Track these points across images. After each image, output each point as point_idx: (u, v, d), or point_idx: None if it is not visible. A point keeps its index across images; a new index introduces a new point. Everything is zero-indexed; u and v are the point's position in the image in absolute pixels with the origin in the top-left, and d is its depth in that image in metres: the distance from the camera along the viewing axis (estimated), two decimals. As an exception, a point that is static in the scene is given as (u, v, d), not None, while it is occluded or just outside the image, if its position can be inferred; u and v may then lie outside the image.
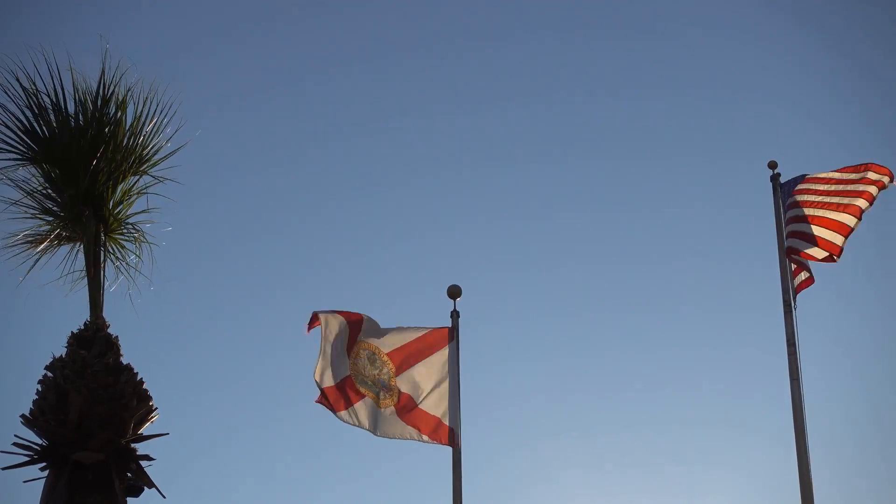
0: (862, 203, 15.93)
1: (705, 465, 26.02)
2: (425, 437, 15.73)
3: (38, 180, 12.42)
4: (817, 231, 15.96)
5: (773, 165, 16.37)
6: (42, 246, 12.43)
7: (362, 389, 15.73)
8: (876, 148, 26.47)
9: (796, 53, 27.48)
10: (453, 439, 15.73)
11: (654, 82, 29.23)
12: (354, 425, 15.65)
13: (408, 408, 15.83)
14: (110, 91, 12.22)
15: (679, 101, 29.14)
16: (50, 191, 12.39)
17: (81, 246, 12.28)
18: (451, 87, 29.71)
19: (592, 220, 29.10)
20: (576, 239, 29.30)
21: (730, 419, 25.71)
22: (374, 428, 15.71)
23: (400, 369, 15.98)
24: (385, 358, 15.96)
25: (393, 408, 15.79)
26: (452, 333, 16.31)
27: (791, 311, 15.68)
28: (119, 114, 12.27)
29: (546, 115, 29.50)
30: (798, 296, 15.71)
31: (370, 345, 15.97)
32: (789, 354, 15.50)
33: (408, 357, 16.01)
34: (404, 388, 15.92)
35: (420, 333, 16.14)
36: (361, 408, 15.71)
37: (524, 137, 29.50)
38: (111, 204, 12.40)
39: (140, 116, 12.35)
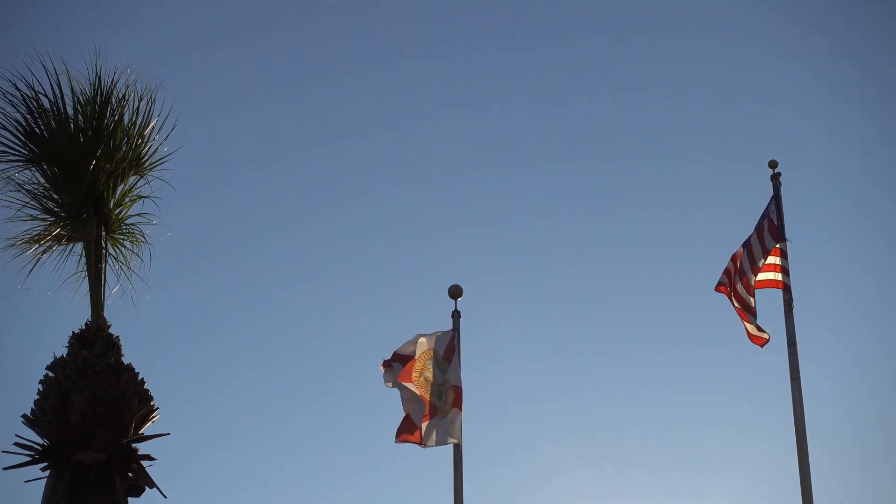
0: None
1: (706, 466, 26.08)
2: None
3: (39, 182, 12.42)
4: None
5: (773, 165, 16.38)
6: (43, 246, 12.44)
7: (434, 401, 16.08)
8: (876, 147, 26.50)
9: (797, 53, 27.53)
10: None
11: (655, 82, 29.31)
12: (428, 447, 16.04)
13: (458, 400, 16.23)
14: (107, 92, 12.23)
15: (679, 101, 29.22)
16: (51, 192, 12.39)
17: (82, 246, 12.28)
18: (453, 87, 29.77)
19: (593, 221, 29.17)
20: (576, 239, 29.36)
21: (730, 420, 25.77)
22: (438, 441, 16.13)
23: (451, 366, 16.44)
24: (442, 360, 16.33)
25: (451, 406, 16.17)
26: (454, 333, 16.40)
27: (791, 311, 15.69)
28: (117, 115, 12.28)
29: (547, 115, 29.56)
30: (794, 297, 15.75)
31: (431, 352, 16.35)
32: (790, 354, 15.50)
33: (447, 353, 16.58)
34: (453, 382, 16.23)
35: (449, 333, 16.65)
36: (429, 428, 16.09)
37: (525, 138, 29.56)
38: (111, 204, 12.40)
39: (138, 117, 12.36)
